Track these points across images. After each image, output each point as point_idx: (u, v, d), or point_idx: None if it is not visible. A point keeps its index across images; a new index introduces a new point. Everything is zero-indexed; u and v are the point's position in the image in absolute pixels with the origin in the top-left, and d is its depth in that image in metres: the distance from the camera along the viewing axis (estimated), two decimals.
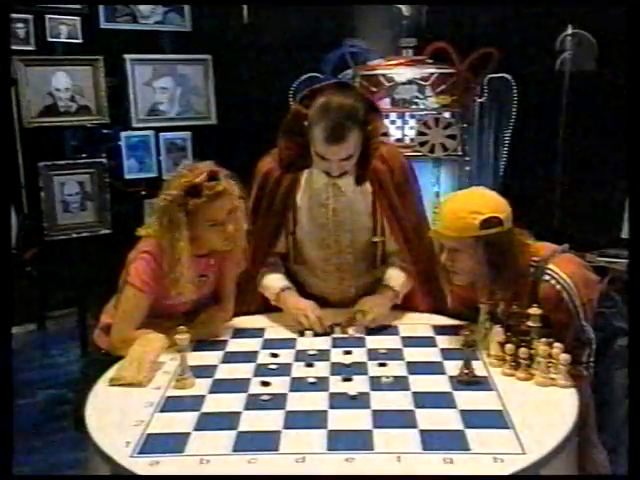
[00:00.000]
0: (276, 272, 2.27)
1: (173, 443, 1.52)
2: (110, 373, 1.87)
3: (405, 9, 3.88)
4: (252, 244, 2.19)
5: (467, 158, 3.74)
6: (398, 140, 3.72)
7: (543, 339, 1.76)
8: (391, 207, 2.21)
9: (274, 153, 2.24)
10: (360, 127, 2.02)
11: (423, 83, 3.72)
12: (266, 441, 1.52)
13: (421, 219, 2.30)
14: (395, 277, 2.23)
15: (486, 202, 1.92)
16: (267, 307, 2.30)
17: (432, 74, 3.71)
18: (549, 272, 1.86)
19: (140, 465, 1.45)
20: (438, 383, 1.78)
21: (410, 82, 3.72)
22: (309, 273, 2.32)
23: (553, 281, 1.85)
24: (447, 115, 3.69)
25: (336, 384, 1.79)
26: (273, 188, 2.23)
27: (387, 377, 1.80)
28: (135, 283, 2.02)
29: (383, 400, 1.69)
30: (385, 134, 3.61)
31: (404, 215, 2.23)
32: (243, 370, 1.89)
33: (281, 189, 2.22)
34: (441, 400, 1.69)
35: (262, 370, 1.88)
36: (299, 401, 1.70)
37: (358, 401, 1.69)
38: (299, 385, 1.78)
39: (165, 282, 2.02)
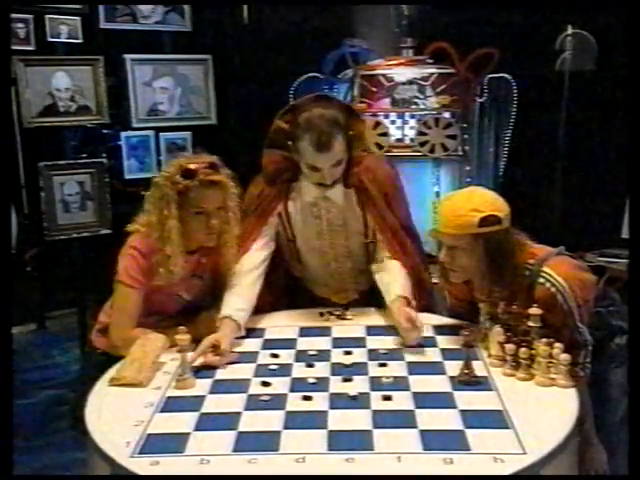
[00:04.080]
0: (240, 290, 2.13)
1: (173, 443, 1.52)
2: (110, 373, 1.87)
3: (405, 9, 3.89)
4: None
5: (467, 158, 3.74)
6: (398, 140, 3.73)
7: (543, 339, 1.76)
8: (379, 212, 2.23)
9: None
10: (344, 133, 2.08)
11: (423, 83, 3.72)
12: (266, 441, 1.52)
13: (407, 225, 2.31)
14: (397, 284, 2.17)
15: (485, 201, 1.93)
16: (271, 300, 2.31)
17: (432, 74, 3.71)
18: (544, 275, 1.86)
19: (140, 465, 1.45)
20: (438, 383, 1.78)
21: (410, 82, 3.72)
22: (311, 279, 2.38)
23: (548, 284, 1.85)
24: (447, 115, 3.69)
25: (336, 384, 1.79)
26: (262, 199, 2.25)
27: (387, 377, 1.80)
28: (124, 280, 2.03)
29: (383, 400, 1.69)
30: (385, 134, 3.66)
31: (392, 220, 2.25)
32: (243, 370, 1.89)
33: (269, 197, 2.24)
34: (441, 400, 1.69)
35: (262, 370, 1.88)
36: (299, 401, 1.70)
37: (358, 401, 1.69)
38: (299, 385, 1.78)
39: (154, 271, 2.02)
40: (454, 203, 1.95)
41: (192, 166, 2.03)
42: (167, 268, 2.03)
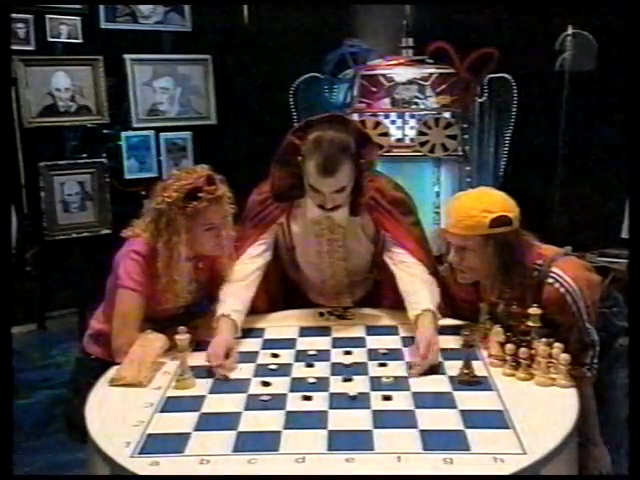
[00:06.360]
0: (236, 292, 2.13)
1: (173, 443, 1.52)
2: (110, 373, 1.86)
3: (406, 9, 3.89)
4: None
5: (467, 158, 3.74)
6: (398, 140, 3.73)
7: (543, 339, 1.76)
8: (396, 220, 2.19)
9: (268, 183, 2.21)
10: (352, 160, 2.01)
11: (423, 83, 3.72)
12: (266, 441, 1.52)
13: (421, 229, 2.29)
14: (424, 297, 2.06)
15: (496, 201, 1.92)
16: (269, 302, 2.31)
17: (432, 74, 3.71)
18: (553, 275, 1.86)
19: (140, 465, 1.45)
20: (438, 383, 1.78)
21: (410, 82, 3.72)
22: (306, 284, 2.36)
23: (557, 284, 1.85)
24: (447, 115, 3.69)
25: (336, 384, 1.79)
26: (264, 207, 2.22)
27: (387, 377, 1.80)
28: (127, 285, 1.98)
29: (383, 400, 1.69)
30: (385, 134, 3.66)
31: (409, 226, 2.22)
32: (243, 370, 1.88)
33: (272, 207, 2.21)
34: (441, 400, 1.69)
35: (262, 370, 1.88)
36: (299, 401, 1.70)
37: (358, 401, 1.69)
38: (299, 385, 1.78)
39: (156, 284, 1.99)
40: (464, 203, 1.94)
41: (194, 185, 1.97)
42: (173, 292, 2.01)
